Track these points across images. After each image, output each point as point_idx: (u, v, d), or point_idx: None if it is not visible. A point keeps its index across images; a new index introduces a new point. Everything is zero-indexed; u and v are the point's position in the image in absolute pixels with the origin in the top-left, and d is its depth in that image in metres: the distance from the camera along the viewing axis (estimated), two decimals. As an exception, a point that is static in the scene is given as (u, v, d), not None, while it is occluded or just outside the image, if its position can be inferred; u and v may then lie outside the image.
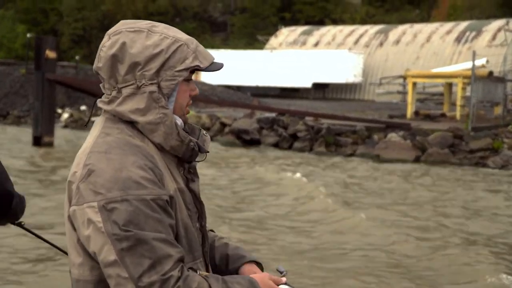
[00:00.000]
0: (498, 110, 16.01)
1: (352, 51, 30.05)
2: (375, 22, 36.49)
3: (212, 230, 1.46)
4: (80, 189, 1.18)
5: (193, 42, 1.26)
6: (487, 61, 16.40)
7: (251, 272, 1.37)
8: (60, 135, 15.36)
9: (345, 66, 29.00)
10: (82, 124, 18.84)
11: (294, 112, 15.64)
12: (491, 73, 14.75)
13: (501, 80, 15.16)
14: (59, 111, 20.15)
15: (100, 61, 1.25)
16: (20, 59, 33.99)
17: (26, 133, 15.41)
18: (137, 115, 1.23)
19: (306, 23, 39.86)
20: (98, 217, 1.15)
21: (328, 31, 34.44)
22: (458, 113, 15.16)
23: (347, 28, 34.29)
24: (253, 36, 40.08)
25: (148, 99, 1.23)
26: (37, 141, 13.35)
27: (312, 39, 34.01)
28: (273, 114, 15.25)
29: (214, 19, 46.33)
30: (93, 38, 43.95)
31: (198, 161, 1.34)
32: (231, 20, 45.47)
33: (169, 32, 1.25)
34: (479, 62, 14.89)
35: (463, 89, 15.01)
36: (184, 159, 1.29)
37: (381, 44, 31.71)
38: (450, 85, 16.53)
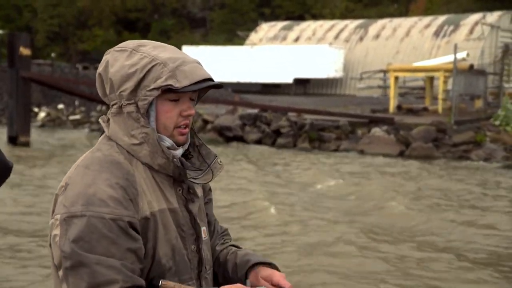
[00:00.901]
0: (479, 103, 16.10)
1: (332, 46, 30.03)
2: (355, 17, 36.58)
3: (236, 246, 1.43)
4: (57, 201, 1.20)
5: (175, 61, 1.23)
6: (468, 55, 16.48)
7: (257, 275, 1.31)
8: (37, 134, 14.93)
9: (326, 61, 28.95)
10: (59, 123, 18.38)
11: (276, 108, 15.48)
12: (471, 66, 14.80)
13: (482, 73, 15.22)
14: (36, 110, 19.63)
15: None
16: (-6, 57, 33.09)
17: (1, 133, 14.93)
18: (121, 136, 1.25)
19: (286, 18, 39.74)
20: (58, 230, 1.16)
21: (308, 26, 34.37)
22: (440, 107, 15.18)
23: (327, 23, 34.27)
24: (232, 32, 39.79)
25: (128, 119, 1.24)
26: (12, 141, 12.94)
27: (292, 34, 33.89)
28: (255, 110, 15.08)
29: (193, 15, 45.88)
30: (69, 35, 43.02)
31: (202, 183, 1.32)
32: (210, 16, 45.07)
33: (152, 51, 1.24)
34: (460, 55, 14.92)
35: (445, 82, 15.03)
36: (175, 177, 1.27)
37: (361, 38, 31.76)
38: (431, 79, 16.56)
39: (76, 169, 1.22)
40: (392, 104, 15.64)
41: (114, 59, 1.25)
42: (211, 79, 1.25)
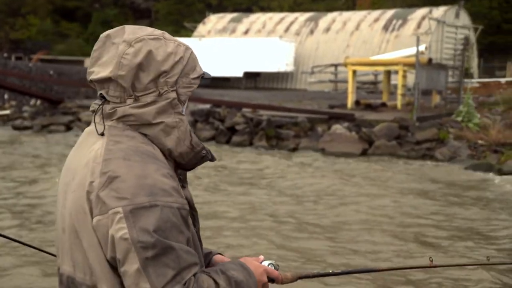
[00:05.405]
0: (436, 99, 15.81)
1: (283, 39, 29.33)
2: (303, 10, 36.12)
3: None
4: (101, 197, 1.16)
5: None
6: (426, 48, 16.14)
7: (223, 260, 1.41)
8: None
9: (276, 54, 28.24)
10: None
11: (230, 103, 14.50)
12: (430, 60, 14.41)
13: (443, 67, 14.87)
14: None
15: (123, 69, 1.23)
16: None
17: None
18: (155, 117, 1.24)
19: (234, 10, 38.75)
20: (123, 223, 1.13)
21: (258, 19, 33.52)
22: (399, 102, 14.73)
23: (277, 16, 33.56)
24: (179, 23, 38.33)
25: (166, 106, 1.25)
26: None
27: (241, 27, 32.93)
28: (207, 106, 14.06)
29: (136, 5, 43.97)
30: (1, 23, 39.90)
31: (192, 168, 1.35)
32: (155, 6, 43.31)
33: (176, 38, 1.30)
34: (419, 48, 14.45)
35: (404, 77, 14.58)
36: (187, 166, 1.30)
37: (311, 32, 31.28)
38: (389, 73, 16.11)
39: (111, 162, 1.17)
40: (351, 100, 15.03)
41: (155, 47, 1.24)
42: None
